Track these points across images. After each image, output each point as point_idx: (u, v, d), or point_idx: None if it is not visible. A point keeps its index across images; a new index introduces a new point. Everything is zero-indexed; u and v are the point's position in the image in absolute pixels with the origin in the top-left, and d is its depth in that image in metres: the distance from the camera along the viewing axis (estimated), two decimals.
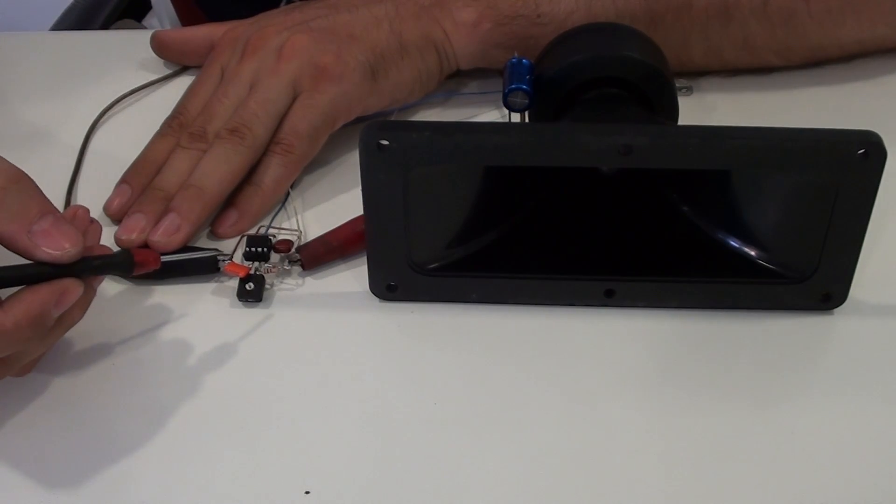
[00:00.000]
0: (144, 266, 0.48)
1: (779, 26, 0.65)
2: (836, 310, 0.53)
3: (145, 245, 0.55)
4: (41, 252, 0.44)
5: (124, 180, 0.60)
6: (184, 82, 0.68)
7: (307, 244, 0.56)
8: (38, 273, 0.44)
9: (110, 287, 0.55)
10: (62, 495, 0.46)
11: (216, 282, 0.56)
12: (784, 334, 0.52)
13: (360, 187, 0.50)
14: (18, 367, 0.47)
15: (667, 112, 0.58)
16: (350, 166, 0.62)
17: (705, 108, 0.67)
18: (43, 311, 0.44)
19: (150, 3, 1.01)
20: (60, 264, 0.44)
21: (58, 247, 0.44)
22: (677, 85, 0.59)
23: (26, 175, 0.45)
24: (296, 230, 0.58)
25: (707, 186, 0.54)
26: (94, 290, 0.47)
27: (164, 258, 0.54)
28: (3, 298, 0.44)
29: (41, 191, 0.45)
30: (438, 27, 0.64)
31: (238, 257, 0.56)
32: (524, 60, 0.59)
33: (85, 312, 0.48)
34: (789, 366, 0.51)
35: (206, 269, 0.55)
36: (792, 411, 0.49)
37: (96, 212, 0.59)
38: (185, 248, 0.56)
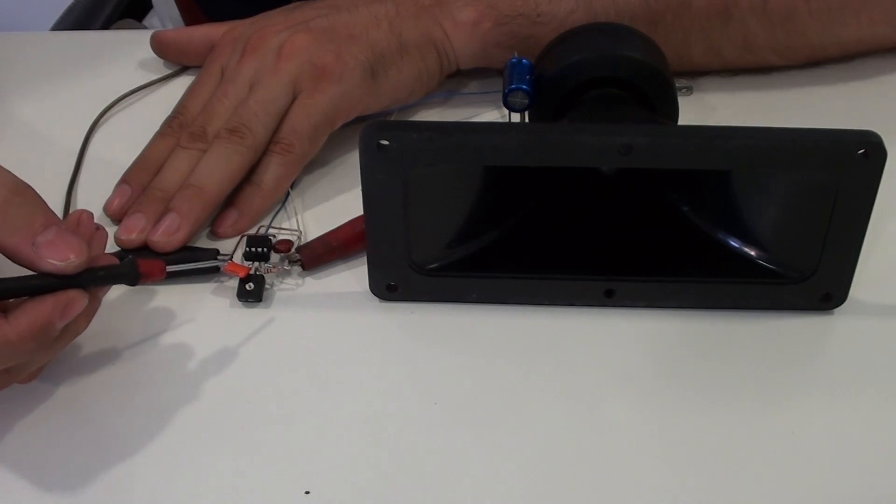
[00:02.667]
0: (149, 277, 0.48)
1: (778, 25, 0.65)
2: (836, 310, 0.53)
3: (145, 245, 0.55)
4: (46, 263, 0.43)
5: (124, 180, 0.60)
6: (184, 82, 0.68)
7: (307, 244, 0.56)
8: (42, 284, 0.44)
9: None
10: (64, 496, 0.46)
11: (216, 282, 0.56)
12: (784, 334, 0.52)
13: (360, 187, 0.50)
14: (23, 376, 0.47)
15: (667, 112, 0.58)
16: (350, 166, 0.62)
17: (705, 108, 0.67)
18: (47, 322, 0.43)
19: (150, 2, 1.01)
20: (65, 275, 0.44)
21: (62, 258, 0.43)
22: (677, 85, 0.59)
23: (30, 186, 0.45)
24: (296, 230, 0.58)
25: (707, 186, 0.54)
26: (99, 301, 0.47)
27: (164, 259, 0.55)
28: (7, 309, 0.44)
29: (45, 202, 0.45)
30: (438, 27, 0.64)
31: (238, 257, 0.56)
32: (524, 60, 0.59)
33: (90, 322, 0.48)
34: (789, 366, 0.51)
35: (207, 269, 0.55)
36: (792, 411, 0.49)
37: (96, 212, 0.59)
38: (184, 248, 0.56)
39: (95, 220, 0.50)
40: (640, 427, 0.48)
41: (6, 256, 0.44)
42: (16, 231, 0.43)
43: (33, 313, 0.43)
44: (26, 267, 0.44)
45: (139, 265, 0.47)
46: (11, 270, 0.44)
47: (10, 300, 0.44)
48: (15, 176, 0.45)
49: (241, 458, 0.47)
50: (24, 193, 0.44)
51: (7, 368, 0.45)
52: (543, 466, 0.47)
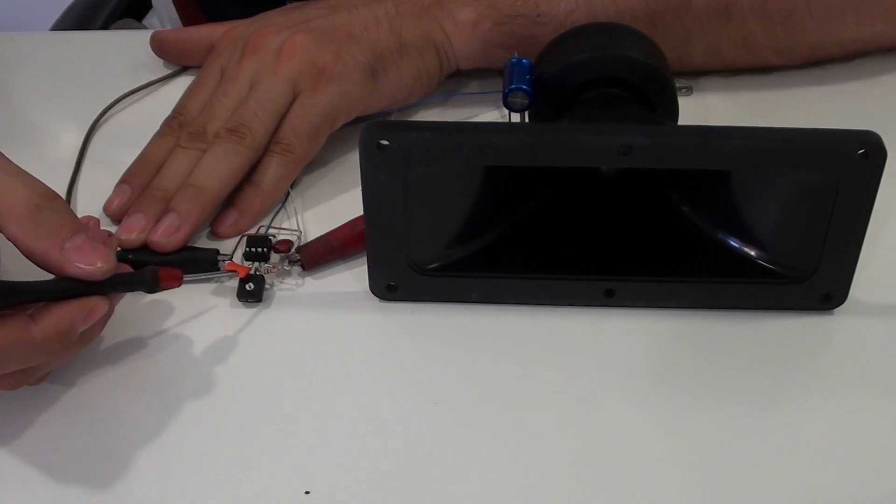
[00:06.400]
0: (168, 285, 0.49)
1: (778, 24, 0.65)
2: (836, 310, 0.53)
3: (145, 245, 0.55)
4: (74, 267, 0.45)
5: (124, 180, 0.60)
6: (184, 82, 0.68)
7: (307, 244, 0.56)
8: (66, 289, 0.45)
9: None
10: (65, 494, 0.46)
11: (216, 282, 0.56)
12: (784, 334, 0.52)
13: (360, 187, 0.50)
14: (36, 377, 0.48)
15: (667, 112, 0.58)
16: (350, 166, 0.62)
17: (705, 108, 0.67)
18: (71, 326, 0.45)
19: (150, 2, 1.02)
20: (91, 280, 0.45)
21: (90, 262, 0.45)
22: (677, 85, 0.59)
23: (59, 195, 0.46)
24: (296, 230, 0.58)
25: (707, 186, 0.54)
26: (113, 308, 0.48)
27: (165, 259, 0.55)
28: (30, 312, 0.44)
29: (73, 211, 0.46)
30: (438, 27, 0.64)
31: (238, 257, 0.56)
32: (524, 60, 0.59)
33: (103, 328, 0.48)
34: (789, 366, 0.51)
35: (207, 268, 0.55)
36: (792, 411, 0.49)
37: (96, 212, 0.59)
38: (185, 248, 0.56)
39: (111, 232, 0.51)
40: (640, 427, 0.48)
41: (33, 260, 0.45)
42: (46, 235, 0.45)
43: (59, 316, 0.44)
44: (53, 271, 0.45)
45: (159, 273, 0.48)
46: (15, 275, 0.45)
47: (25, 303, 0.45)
48: (44, 183, 0.46)
49: (242, 458, 0.47)
50: (55, 200, 0.46)
51: (25, 369, 0.46)
52: (543, 466, 0.47)
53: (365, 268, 0.53)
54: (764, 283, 0.53)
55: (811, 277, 0.52)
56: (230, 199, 0.59)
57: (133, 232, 0.56)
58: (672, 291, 0.53)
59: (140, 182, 0.59)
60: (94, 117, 0.67)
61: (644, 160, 0.49)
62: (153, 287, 0.48)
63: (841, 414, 0.49)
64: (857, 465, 0.47)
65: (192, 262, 0.55)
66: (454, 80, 0.68)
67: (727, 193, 0.54)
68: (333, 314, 0.54)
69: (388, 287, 0.53)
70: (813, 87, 0.68)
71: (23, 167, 0.46)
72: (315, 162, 0.62)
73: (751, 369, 0.51)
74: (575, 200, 0.56)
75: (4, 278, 0.44)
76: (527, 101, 0.58)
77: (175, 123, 0.62)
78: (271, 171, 0.59)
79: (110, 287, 0.46)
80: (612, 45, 0.58)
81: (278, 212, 0.60)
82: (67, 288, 0.45)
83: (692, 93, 0.68)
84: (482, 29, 0.64)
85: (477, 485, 0.46)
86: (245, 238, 0.56)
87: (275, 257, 0.56)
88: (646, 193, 0.56)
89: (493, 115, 0.67)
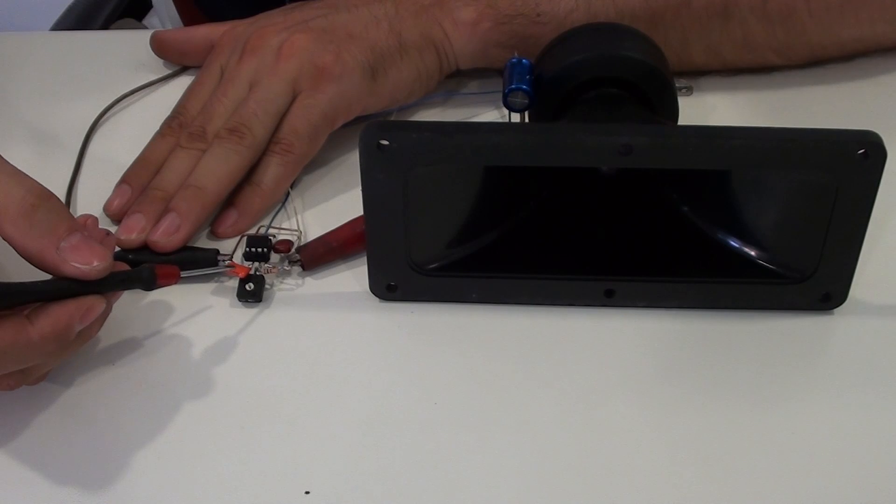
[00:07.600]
0: (165, 282, 0.48)
1: (778, 24, 0.65)
2: (836, 310, 0.53)
3: (145, 245, 0.55)
4: (70, 267, 0.44)
5: (124, 180, 0.60)
6: (184, 82, 0.68)
7: (307, 244, 0.56)
8: (63, 288, 0.45)
9: None
10: (65, 495, 0.46)
11: (216, 282, 0.56)
12: (784, 334, 0.52)
13: (360, 187, 0.50)
14: (35, 377, 0.48)
15: (667, 112, 0.58)
16: (350, 166, 0.62)
17: (705, 108, 0.67)
18: (68, 325, 0.45)
19: (150, 2, 1.01)
20: (87, 279, 0.45)
21: (86, 261, 0.45)
22: (677, 85, 0.59)
23: (54, 194, 0.46)
24: (296, 230, 0.58)
25: (707, 186, 0.54)
26: (111, 306, 0.48)
27: (165, 259, 0.55)
28: (27, 312, 0.44)
29: (68, 209, 0.46)
30: (438, 26, 0.64)
31: (238, 257, 0.56)
32: (524, 60, 0.59)
33: (101, 326, 0.48)
34: (789, 366, 0.51)
35: (206, 268, 0.55)
36: (792, 411, 0.49)
37: (97, 212, 0.59)
38: (184, 248, 0.56)
39: (109, 231, 0.51)
40: (640, 427, 0.48)
41: (29, 260, 0.45)
42: (42, 235, 0.44)
43: (56, 316, 0.44)
44: (49, 271, 0.45)
45: (157, 270, 0.48)
46: (12, 276, 0.45)
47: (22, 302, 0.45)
48: (40, 183, 0.46)
49: (242, 459, 0.47)
50: (50, 200, 0.45)
51: (24, 369, 0.46)
52: (543, 466, 0.47)
53: (365, 268, 0.53)
54: (764, 283, 0.53)
55: (811, 277, 0.52)
56: (230, 200, 0.59)
57: (133, 232, 0.56)
58: (672, 291, 0.53)
59: (140, 182, 0.59)
60: (94, 117, 0.67)
61: (644, 160, 0.49)
62: (150, 284, 0.48)
63: (841, 414, 0.49)
64: (857, 464, 0.47)
65: (192, 263, 0.55)
66: (454, 80, 0.68)
67: (727, 193, 0.54)
68: (333, 314, 0.54)
69: (388, 287, 0.53)
70: (813, 87, 0.68)
71: (22, 167, 0.46)
72: (315, 162, 0.62)
73: (751, 369, 0.51)
74: (575, 200, 0.56)
75: (1, 279, 0.44)
76: (527, 101, 0.58)
77: (175, 123, 0.62)
78: (271, 171, 0.59)
79: (107, 286, 0.46)
80: (612, 45, 0.58)
81: (278, 212, 0.60)
82: (64, 287, 0.45)
83: (692, 93, 0.68)
84: (482, 28, 0.64)
85: (477, 484, 0.46)
86: (245, 238, 0.56)
87: (275, 257, 0.56)
88: (646, 193, 0.56)
89: (493, 115, 0.67)
